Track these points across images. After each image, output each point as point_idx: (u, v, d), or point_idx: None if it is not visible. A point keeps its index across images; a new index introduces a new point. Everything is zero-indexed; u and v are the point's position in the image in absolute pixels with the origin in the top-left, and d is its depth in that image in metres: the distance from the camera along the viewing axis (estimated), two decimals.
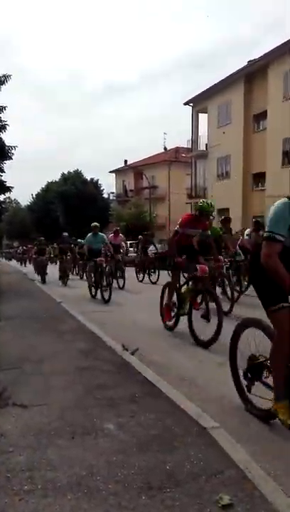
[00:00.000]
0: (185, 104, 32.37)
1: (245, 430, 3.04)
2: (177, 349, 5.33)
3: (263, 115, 24.76)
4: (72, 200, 45.52)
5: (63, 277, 14.90)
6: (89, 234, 11.16)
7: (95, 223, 11.14)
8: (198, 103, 31.21)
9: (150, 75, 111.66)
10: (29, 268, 26.50)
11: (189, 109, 32.59)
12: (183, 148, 38.40)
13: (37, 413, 3.21)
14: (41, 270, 15.92)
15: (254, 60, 24.99)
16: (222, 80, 27.28)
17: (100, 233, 11.29)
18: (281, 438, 2.90)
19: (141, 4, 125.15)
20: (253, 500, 2.10)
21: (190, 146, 33.54)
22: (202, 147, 31.69)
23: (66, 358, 4.71)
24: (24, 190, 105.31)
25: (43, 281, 15.16)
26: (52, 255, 19.74)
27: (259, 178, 25.56)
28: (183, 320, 6.03)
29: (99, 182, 50.02)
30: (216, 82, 27.90)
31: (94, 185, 49.12)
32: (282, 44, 21.78)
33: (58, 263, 15.87)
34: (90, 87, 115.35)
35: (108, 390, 3.67)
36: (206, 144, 31.06)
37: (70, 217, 46.06)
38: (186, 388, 3.86)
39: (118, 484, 2.25)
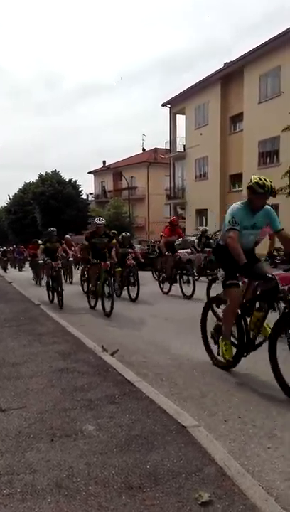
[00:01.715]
0: (163, 105, 32.55)
1: (224, 428, 3.08)
2: (157, 350, 5.35)
3: (239, 117, 25.12)
4: (50, 201, 45.10)
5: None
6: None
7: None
8: (176, 105, 31.43)
9: (127, 77, 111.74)
10: (13, 275, 22.25)
11: (167, 110, 32.79)
12: (161, 149, 38.58)
13: (15, 417, 3.17)
14: (55, 283, 9.49)
15: (231, 62, 25.32)
16: (199, 82, 27.56)
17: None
18: (259, 435, 2.95)
19: (117, 5, 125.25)
20: (232, 496, 2.13)
21: (168, 147, 33.72)
22: (180, 148, 31.92)
23: (44, 361, 4.66)
24: (1, 191, 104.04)
25: (60, 304, 8.98)
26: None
27: (236, 179, 25.91)
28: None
29: (78, 183, 49.81)
30: (193, 84, 28.16)
31: (73, 186, 48.81)
32: (257, 47, 22.15)
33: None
34: (66, 88, 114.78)
35: (87, 391, 3.66)
36: (184, 145, 31.29)
37: (48, 219, 45.61)
38: (166, 388, 3.88)
39: (98, 485, 2.25)
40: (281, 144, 20.94)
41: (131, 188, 38.00)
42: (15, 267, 27.99)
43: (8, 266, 28.03)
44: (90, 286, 9.04)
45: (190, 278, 9.96)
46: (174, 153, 32.25)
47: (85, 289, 10.57)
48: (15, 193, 54.20)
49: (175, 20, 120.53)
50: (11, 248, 30.82)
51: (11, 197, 54.87)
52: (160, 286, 11.00)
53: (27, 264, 28.32)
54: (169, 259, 10.50)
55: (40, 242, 16.22)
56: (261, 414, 3.27)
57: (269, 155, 22.73)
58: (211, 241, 14.15)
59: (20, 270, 26.75)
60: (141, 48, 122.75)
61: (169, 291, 10.52)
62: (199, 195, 28.45)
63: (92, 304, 8.86)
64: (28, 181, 52.48)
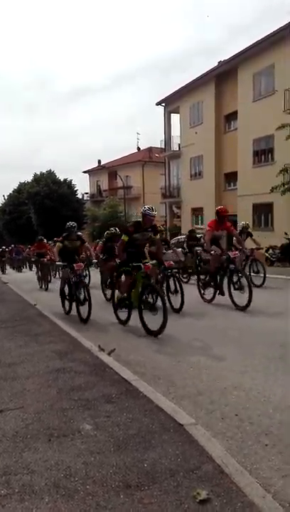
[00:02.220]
0: (158, 104, 32.51)
1: (221, 425, 3.08)
2: (153, 349, 5.35)
3: (234, 115, 25.13)
4: (45, 201, 44.99)
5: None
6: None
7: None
8: (170, 103, 31.40)
9: (121, 76, 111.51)
10: (11, 276, 21.35)
11: (161, 109, 32.76)
12: (156, 148, 38.56)
13: (12, 417, 3.16)
14: (77, 292, 7.61)
15: (224, 60, 25.33)
16: (194, 81, 27.54)
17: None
18: (256, 432, 2.96)
19: (110, 6, 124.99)
20: (230, 494, 2.13)
21: (163, 146, 33.71)
22: (175, 147, 31.89)
23: (41, 361, 4.65)
24: None
25: (86, 318, 7.17)
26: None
27: (231, 177, 25.94)
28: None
29: (73, 182, 49.72)
30: (187, 82, 28.16)
31: (68, 185, 48.71)
32: (251, 45, 22.17)
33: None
34: (60, 88, 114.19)
35: (84, 391, 3.66)
36: (179, 144, 31.28)
37: (43, 219, 45.52)
38: (163, 387, 3.89)
39: (96, 484, 2.25)
40: (276, 143, 20.97)
41: (126, 187, 37.95)
42: (13, 268, 27.13)
43: (7, 267, 26.63)
44: (117, 294, 7.12)
45: (243, 282, 7.80)
46: (169, 152, 32.23)
47: (109, 297, 8.96)
48: (10, 193, 54.02)
49: (168, 20, 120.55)
50: (10, 248, 28.96)
51: (6, 197, 54.72)
52: (200, 293, 8.95)
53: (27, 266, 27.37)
54: (215, 258, 8.51)
55: (45, 240, 15.31)
56: (258, 412, 3.28)
57: (263, 153, 22.75)
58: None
59: (19, 271, 25.92)
60: (134, 48, 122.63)
61: (213, 298, 8.55)
62: (194, 193, 28.46)
63: (123, 318, 6.82)
64: (22, 181, 52.34)
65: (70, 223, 8.61)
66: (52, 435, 2.84)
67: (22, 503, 2.11)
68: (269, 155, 22.20)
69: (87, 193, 49.44)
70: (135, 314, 6.44)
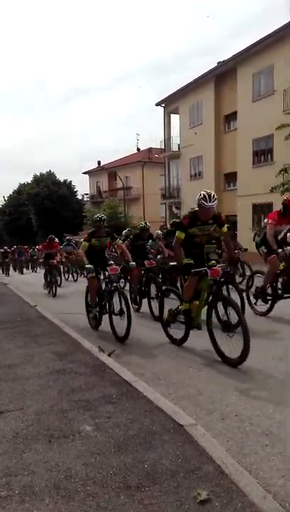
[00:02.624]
0: (157, 105, 32.54)
1: (221, 426, 3.09)
2: (153, 350, 5.35)
3: (233, 116, 25.14)
4: (45, 202, 45.04)
5: None
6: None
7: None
8: (170, 104, 31.42)
9: (120, 77, 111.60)
10: (13, 278, 20.69)
11: (161, 110, 32.79)
12: (156, 149, 38.58)
13: (12, 418, 3.16)
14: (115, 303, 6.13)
15: (224, 61, 25.35)
16: (193, 81, 27.56)
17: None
18: (257, 432, 2.96)
19: (109, 6, 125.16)
20: (230, 494, 2.14)
21: (162, 147, 33.72)
22: (174, 148, 31.90)
23: (41, 362, 4.65)
24: None
25: (123, 337, 5.80)
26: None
27: (231, 178, 25.95)
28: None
29: (73, 183, 49.77)
30: (187, 83, 28.19)
31: (68, 186, 48.76)
32: (250, 45, 22.19)
33: None
34: (59, 89, 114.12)
35: (84, 392, 3.66)
36: (178, 145, 31.29)
37: (43, 220, 45.58)
38: (163, 387, 3.89)
39: (96, 485, 2.25)
40: (275, 143, 20.98)
41: (126, 188, 37.97)
42: (14, 270, 26.19)
43: (10, 268, 25.45)
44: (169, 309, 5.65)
45: None
46: (169, 152, 32.24)
47: (137, 307, 8.07)
48: (10, 195, 54.11)
49: (167, 20, 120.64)
50: (12, 248, 27.84)
51: (6, 198, 54.79)
52: (250, 304, 7.07)
53: (28, 267, 26.89)
54: (280, 258, 6.61)
55: (57, 239, 13.30)
56: (258, 412, 3.28)
57: (263, 153, 22.76)
58: None
59: (21, 273, 25.14)
60: (134, 48, 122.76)
61: (270, 310, 6.76)
62: (194, 194, 28.17)
63: (178, 337, 5.41)
64: (22, 182, 52.41)
65: (99, 215, 6.99)
66: (52, 436, 2.84)
67: (22, 504, 2.12)
68: (269, 155, 22.21)
69: (86, 194, 49.51)
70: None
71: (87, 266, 6.39)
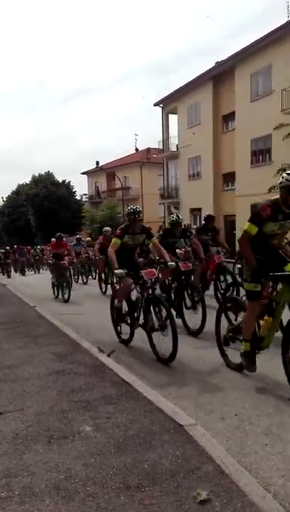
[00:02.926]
0: (155, 105, 32.57)
1: (221, 426, 3.09)
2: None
3: (231, 116, 25.17)
4: (43, 203, 45.03)
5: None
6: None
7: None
8: (168, 104, 31.45)
9: (119, 77, 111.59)
10: (15, 280, 19.39)
11: (159, 110, 32.81)
12: (154, 149, 38.59)
13: (12, 419, 3.16)
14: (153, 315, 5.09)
15: (222, 61, 25.38)
16: (191, 81, 27.60)
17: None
18: (256, 432, 2.97)
19: (107, 7, 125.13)
20: (230, 494, 2.14)
21: (161, 147, 33.74)
22: (173, 148, 31.93)
23: (41, 362, 4.65)
24: None
25: (171, 356, 4.66)
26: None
27: (229, 178, 25.98)
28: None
29: (71, 184, 49.77)
30: (185, 83, 28.21)
31: (66, 187, 48.75)
32: (248, 46, 22.22)
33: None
34: (58, 89, 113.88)
35: (84, 392, 3.66)
36: (177, 145, 31.32)
37: (42, 220, 45.58)
38: (162, 387, 3.89)
39: (96, 486, 2.25)
40: (273, 143, 21.01)
41: (124, 188, 37.97)
42: (15, 271, 24.34)
43: (11, 269, 22.97)
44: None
45: None
46: (167, 152, 32.26)
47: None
48: (9, 195, 54.11)
49: (167, 20, 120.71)
50: (13, 248, 26.12)
51: (4, 199, 54.78)
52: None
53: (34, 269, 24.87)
54: None
55: (64, 238, 12.05)
56: (258, 412, 3.28)
57: (261, 153, 22.80)
58: None
59: (22, 274, 23.44)
60: (132, 49, 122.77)
61: None
62: (192, 194, 28.49)
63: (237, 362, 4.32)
64: (21, 183, 52.41)
65: (133, 206, 5.72)
66: (52, 437, 2.84)
67: (22, 505, 2.12)
68: (267, 155, 22.25)
69: (85, 195, 49.49)
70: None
71: (117, 271, 5.10)
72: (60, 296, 10.80)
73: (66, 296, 10.36)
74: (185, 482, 2.25)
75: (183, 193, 30.38)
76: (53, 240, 12.27)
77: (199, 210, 28.09)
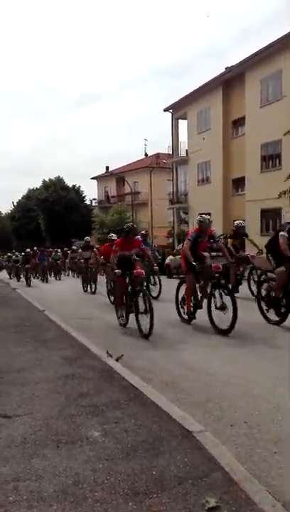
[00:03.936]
0: (165, 110, 32.68)
1: (230, 432, 3.06)
2: (161, 355, 5.34)
3: (241, 121, 25.16)
4: (54, 207, 45.32)
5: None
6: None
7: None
8: (178, 109, 31.54)
9: (128, 83, 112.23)
10: (41, 290, 16.41)
11: (169, 115, 32.91)
12: (163, 154, 38.68)
13: (21, 423, 3.17)
14: None
15: (232, 66, 25.41)
16: (201, 87, 27.66)
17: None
18: (265, 439, 2.94)
19: (116, 12, 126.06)
20: (239, 502, 2.12)
21: (170, 152, 33.81)
22: (182, 153, 31.98)
23: (50, 366, 4.66)
24: (3, 197, 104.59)
25: None
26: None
27: (239, 183, 25.93)
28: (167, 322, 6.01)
29: (81, 189, 50.07)
30: (195, 88, 28.28)
31: (76, 191, 49.04)
32: (258, 51, 22.23)
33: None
34: (68, 94, 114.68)
35: (93, 397, 3.66)
36: (186, 150, 31.36)
37: (52, 225, 45.86)
38: (171, 393, 3.87)
39: (104, 491, 2.24)
40: (284, 148, 20.95)
41: (134, 193, 38.08)
42: (35, 276, 21.32)
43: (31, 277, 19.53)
44: None
45: None
46: (176, 158, 32.32)
47: None
48: (19, 200, 54.60)
49: (174, 26, 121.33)
50: (33, 251, 21.78)
51: (15, 203, 55.26)
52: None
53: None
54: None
55: (114, 236, 11.15)
56: (267, 419, 3.25)
57: (271, 159, 22.73)
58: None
59: (45, 281, 20.28)
60: (142, 54, 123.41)
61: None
62: (202, 199, 28.47)
63: None
64: (31, 188, 52.86)
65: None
66: (60, 441, 2.84)
67: (30, 509, 2.12)
68: (277, 160, 22.17)
69: (95, 199, 49.77)
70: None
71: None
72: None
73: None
74: (194, 489, 2.24)
75: (193, 198, 30.37)
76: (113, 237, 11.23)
77: (208, 215, 28.03)
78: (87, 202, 50.21)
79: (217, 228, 22.85)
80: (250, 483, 2.26)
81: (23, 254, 21.22)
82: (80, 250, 16.26)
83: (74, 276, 22.42)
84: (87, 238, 16.29)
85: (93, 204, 49.47)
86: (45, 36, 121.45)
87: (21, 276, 21.50)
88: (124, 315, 7.19)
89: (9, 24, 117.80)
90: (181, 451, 2.64)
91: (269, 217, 22.23)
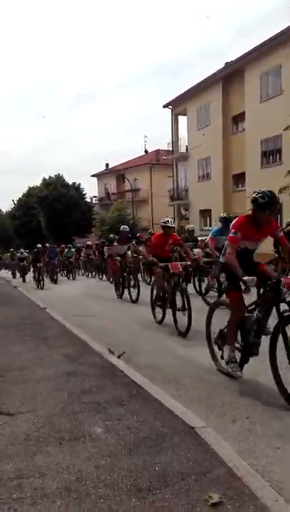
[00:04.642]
0: (165, 106, 32.58)
1: (232, 428, 3.07)
2: (163, 352, 5.34)
3: (241, 116, 25.08)
4: (54, 205, 45.27)
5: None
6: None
7: None
8: (177, 106, 31.44)
9: (127, 80, 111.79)
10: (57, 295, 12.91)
11: (168, 111, 32.82)
12: (163, 150, 38.60)
13: (24, 421, 3.18)
14: None
15: (231, 62, 25.31)
16: (200, 83, 27.56)
17: None
18: (268, 435, 2.94)
19: (114, 10, 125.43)
20: (242, 497, 2.12)
21: (170, 149, 33.73)
22: (182, 149, 31.91)
23: (51, 364, 4.67)
24: (4, 196, 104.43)
25: None
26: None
27: (239, 178, 25.87)
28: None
29: (81, 186, 50.01)
30: (194, 84, 28.19)
31: (76, 189, 48.99)
32: (257, 46, 22.13)
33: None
34: (67, 92, 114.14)
35: (95, 394, 3.66)
36: (186, 146, 31.29)
37: (52, 222, 45.83)
38: (173, 390, 3.88)
39: (107, 488, 2.25)
40: (284, 143, 20.88)
41: (134, 190, 38.03)
42: (46, 275, 17.70)
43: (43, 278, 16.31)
44: None
45: None
46: (176, 154, 32.25)
47: None
48: (20, 198, 54.52)
49: (173, 23, 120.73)
50: (45, 247, 19.25)
51: (15, 202, 55.21)
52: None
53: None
54: None
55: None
56: (269, 414, 3.26)
57: (271, 154, 22.66)
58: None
59: (54, 282, 17.21)
60: (141, 51, 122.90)
61: None
62: (202, 195, 28.43)
63: None
64: (31, 186, 52.78)
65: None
66: (63, 438, 2.85)
67: (34, 506, 2.12)
68: (277, 155, 22.11)
69: (95, 197, 49.68)
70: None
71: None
72: None
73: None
74: (197, 485, 2.24)
75: (193, 194, 30.32)
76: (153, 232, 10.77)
77: (209, 211, 28.02)
78: (88, 199, 50.18)
79: (218, 224, 22.83)
80: (253, 479, 2.27)
81: (34, 250, 17.89)
82: (115, 243, 12.64)
83: (88, 277, 20.44)
84: (125, 227, 12.30)
85: (93, 201, 49.42)
86: (44, 36, 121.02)
87: (27, 275, 19.28)
88: (162, 311, 6.99)
89: (8, 25, 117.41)
90: (184, 447, 2.65)
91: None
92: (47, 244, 20.87)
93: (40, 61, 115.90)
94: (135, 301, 9.71)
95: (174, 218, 33.01)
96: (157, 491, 2.21)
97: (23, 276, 19.78)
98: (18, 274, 21.78)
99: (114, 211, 37.83)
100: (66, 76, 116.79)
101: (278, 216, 21.40)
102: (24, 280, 19.19)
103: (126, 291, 10.41)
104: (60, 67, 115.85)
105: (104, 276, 17.74)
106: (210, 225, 24.61)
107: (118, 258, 11.28)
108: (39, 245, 18.37)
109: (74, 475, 2.39)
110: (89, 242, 23.03)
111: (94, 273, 19.88)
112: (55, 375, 4.28)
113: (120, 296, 10.76)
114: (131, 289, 10.11)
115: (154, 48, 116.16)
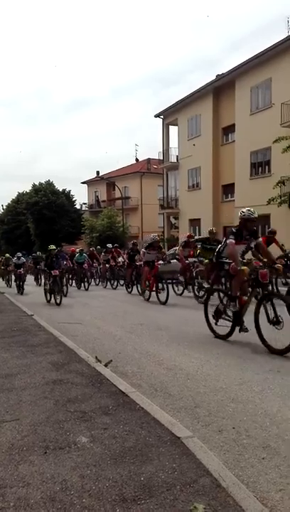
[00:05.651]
0: (156, 116, 32.89)
1: (218, 438, 3.07)
2: (150, 360, 5.33)
3: (231, 128, 25.41)
4: (43, 211, 45.14)
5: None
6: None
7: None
8: (169, 116, 31.77)
9: (120, 89, 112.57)
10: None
11: (160, 121, 33.12)
12: (154, 159, 38.87)
13: (8, 429, 3.13)
14: None
15: (222, 74, 25.69)
16: (192, 94, 27.92)
17: None
18: (253, 445, 2.95)
19: (108, 20, 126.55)
20: (227, 508, 2.12)
21: (161, 158, 33.98)
22: (173, 159, 32.17)
23: (37, 372, 4.62)
24: None
25: None
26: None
27: (228, 189, 26.14)
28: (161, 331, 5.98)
29: (71, 193, 50.00)
30: (186, 95, 28.52)
31: (66, 196, 48.94)
32: (249, 59, 22.52)
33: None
34: (59, 100, 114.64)
35: (81, 403, 3.63)
36: (177, 156, 31.55)
37: (41, 228, 45.65)
38: (160, 399, 3.87)
39: (92, 498, 2.23)
40: (273, 155, 21.19)
41: (124, 197, 38.14)
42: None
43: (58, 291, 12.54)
44: None
45: None
46: (167, 163, 32.49)
47: None
48: (9, 203, 54.26)
49: (166, 33, 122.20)
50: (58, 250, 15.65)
51: (4, 207, 54.92)
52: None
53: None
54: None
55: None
56: (255, 425, 3.26)
57: (260, 165, 22.98)
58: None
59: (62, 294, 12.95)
60: (133, 60, 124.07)
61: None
62: (192, 205, 28.65)
63: None
64: (21, 192, 52.59)
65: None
66: (48, 447, 2.82)
67: None
68: (266, 167, 22.42)
69: (85, 204, 49.70)
70: None
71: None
72: None
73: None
74: (182, 495, 2.23)
75: (183, 203, 30.52)
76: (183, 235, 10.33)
77: (198, 220, 28.19)
78: (78, 206, 50.15)
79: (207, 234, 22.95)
80: (238, 489, 2.27)
81: (47, 253, 13.98)
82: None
83: (105, 287, 17.52)
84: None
85: (83, 208, 49.39)
86: (38, 42, 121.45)
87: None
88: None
89: (2, 31, 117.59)
90: (169, 457, 2.63)
91: (258, 223, 22.37)
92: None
93: (34, 67, 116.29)
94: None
95: (164, 227, 33.16)
96: (142, 501, 2.19)
97: (18, 285, 16.38)
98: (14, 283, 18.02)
99: (104, 218, 37.86)
100: (59, 83, 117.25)
101: (266, 226, 21.67)
102: (21, 291, 16.15)
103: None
104: (54, 73, 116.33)
105: (133, 287, 14.44)
106: (199, 234, 24.75)
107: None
108: (52, 246, 13.98)
109: (59, 485, 2.36)
110: (109, 245, 19.33)
111: (115, 283, 16.90)
112: (41, 383, 4.23)
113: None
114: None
115: (148, 58, 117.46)
